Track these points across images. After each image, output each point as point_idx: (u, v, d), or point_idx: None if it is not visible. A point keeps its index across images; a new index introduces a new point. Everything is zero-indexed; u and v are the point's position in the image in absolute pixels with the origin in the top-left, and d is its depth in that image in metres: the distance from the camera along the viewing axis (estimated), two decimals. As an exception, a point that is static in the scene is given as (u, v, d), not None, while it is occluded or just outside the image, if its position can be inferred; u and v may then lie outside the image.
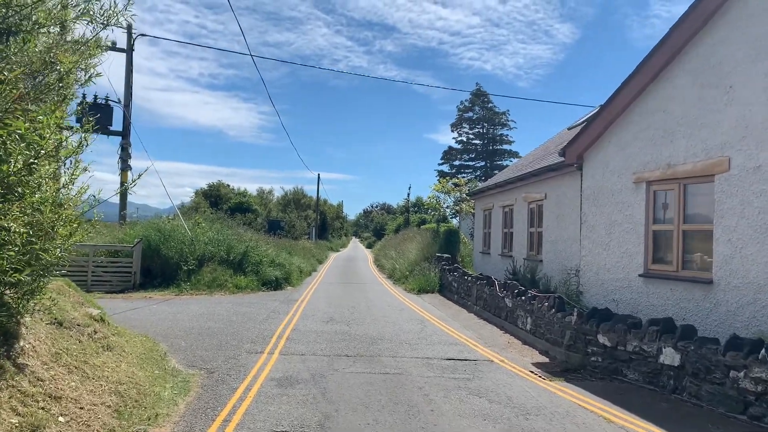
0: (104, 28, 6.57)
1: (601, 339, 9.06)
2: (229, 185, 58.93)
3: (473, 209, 27.40)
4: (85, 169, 6.20)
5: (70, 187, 5.93)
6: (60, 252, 5.93)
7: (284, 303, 16.38)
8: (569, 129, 21.95)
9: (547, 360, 10.07)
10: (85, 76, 6.45)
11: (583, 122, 20.50)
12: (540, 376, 8.78)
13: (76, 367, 6.44)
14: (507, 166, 61.11)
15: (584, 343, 9.46)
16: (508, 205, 18.83)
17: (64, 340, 6.85)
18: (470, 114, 68.40)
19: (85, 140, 5.95)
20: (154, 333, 10.88)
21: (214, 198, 54.35)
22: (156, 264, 19.04)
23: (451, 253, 24.42)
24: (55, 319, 7.16)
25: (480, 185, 28.62)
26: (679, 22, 8.93)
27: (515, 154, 65.37)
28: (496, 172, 61.29)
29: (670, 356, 7.74)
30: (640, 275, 9.91)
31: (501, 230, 19.72)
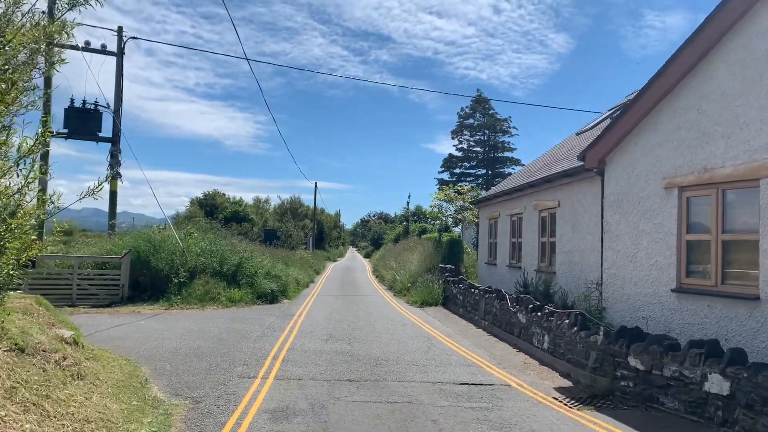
0: (70, 9, 5.68)
1: (633, 362, 8.12)
2: (224, 194, 58.06)
3: (477, 218, 26.49)
4: (44, 172, 5.29)
5: (24, 192, 5.00)
6: (13, 269, 5.01)
7: (280, 318, 15.41)
8: (578, 134, 21.12)
9: (570, 384, 9.13)
10: (46, 63, 5.53)
11: (593, 126, 19.66)
12: (566, 404, 7.84)
13: (34, 404, 5.47)
14: (509, 173, 60.26)
15: (612, 365, 8.52)
16: (517, 214, 17.91)
17: (23, 370, 5.88)
18: (471, 121, 67.33)
19: (43, 137, 5.04)
20: (137, 354, 9.93)
21: (209, 207, 53.43)
22: (145, 276, 18.07)
23: (455, 264, 23.48)
24: (16, 344, 6.20)
25: (483, 193, 27.73)
26: (716, 11, 8.07)
27: (517, 162, 64.41)
28: (497, 179, 60.34)
29: (717, 384, 6.81)
30: (672, 290, 8.99)
31: (508, 240, 18.79)
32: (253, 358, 10.00)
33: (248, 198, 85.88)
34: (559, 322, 10.32)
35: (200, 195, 57.00)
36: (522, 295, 12.94)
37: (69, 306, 16.49)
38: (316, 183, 65.65)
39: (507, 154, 66.25)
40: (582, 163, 11.76)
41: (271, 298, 19.21)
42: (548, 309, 11.07)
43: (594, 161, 10.76)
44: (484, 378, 9.20)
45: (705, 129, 8.52)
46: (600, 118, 20.44)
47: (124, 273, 17.60)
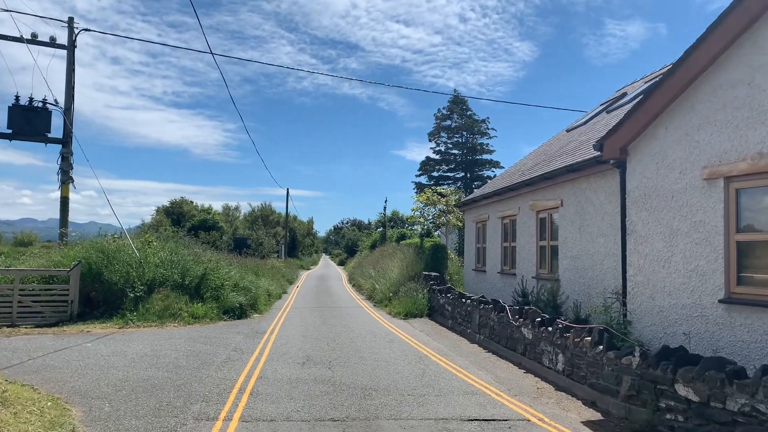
0: None
1: (682, 391, 6.59)
2: (192, 202, 55.90)
3: (461, 221, 24.99)
4: None
5: None
6: None
7: (249, 337, 13.60)
8: (568, 131, 19.82)
9: (599, 416, 7.57)
10: None
11: (585, 121, 18.34)
12: (605, 447, 6.28)
13: None
14: (488, 176, 59.00)
15: (654, 394, 6.99)
16: (510, 216, 16.40)
17: None
18: (448, 122, 65.51)
19: None
20: (72, 389, 8.09)
21: (176, 215, 51.26)
22: (98, 291, 16.06)
23: (439, 271, 21.91)
24: None
25: (465, 196, 26.22)
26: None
27: (497, 164, 63.02)
28: (477, 182, 59.02)
29: (808, 423, 5.31)
30: (720, 301, 7.51)
31: (500, 244, 17.28)
32: (214, 392, 8.23)
33: (218, 206, 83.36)
34: (578, 339, 8.79)
35: (167, 203, 54.77)
36: (525, 307, 11.38)
37: (8, 326, 14.48)
38: (288, 189, 63.58)
39: (486, 156, 64.74)
40: (594, 155, 10.32)
41: (239, 312, 17.35)
42: (561, 323, 9.53)
43: (614, 151, 9.27)
44: (495, 411, 7.59)
45: (760, 106, 7.08)
46: (592, 113, 19.18)
47: (74, 287, 15.60)
